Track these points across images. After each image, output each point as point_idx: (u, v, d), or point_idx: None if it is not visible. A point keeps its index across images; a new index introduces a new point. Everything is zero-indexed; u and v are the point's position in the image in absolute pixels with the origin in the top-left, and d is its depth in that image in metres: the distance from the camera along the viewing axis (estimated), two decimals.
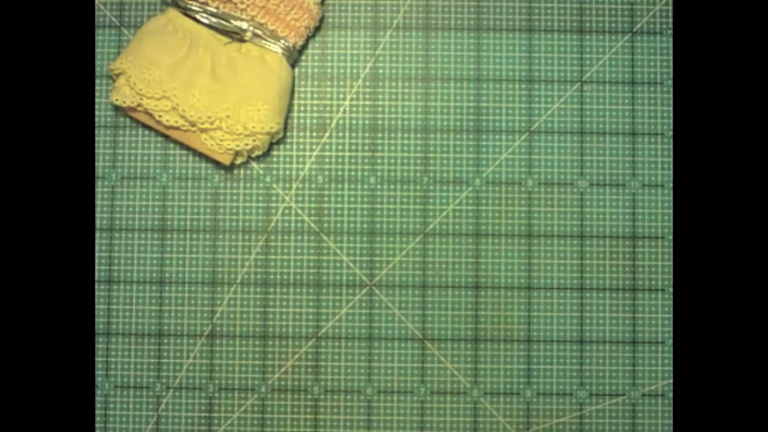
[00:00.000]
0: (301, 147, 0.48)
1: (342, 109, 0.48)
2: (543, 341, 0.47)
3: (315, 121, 0.48)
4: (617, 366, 0.47)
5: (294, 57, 0.47)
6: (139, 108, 0.46)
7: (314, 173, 0.48)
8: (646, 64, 0.48)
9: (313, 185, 0.48)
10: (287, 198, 0.48)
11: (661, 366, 0.47)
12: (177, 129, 0.46)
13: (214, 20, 0.47)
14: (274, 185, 0.48)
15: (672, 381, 0.47)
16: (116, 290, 0.47)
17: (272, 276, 0.47)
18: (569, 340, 0.47)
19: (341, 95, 0.48)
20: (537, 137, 0.48)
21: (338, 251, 0.47)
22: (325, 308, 0.47)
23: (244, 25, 0.47)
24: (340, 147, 0.48)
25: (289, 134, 0.48)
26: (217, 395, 0.47)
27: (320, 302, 0.47)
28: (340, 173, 0.48)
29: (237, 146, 0.46)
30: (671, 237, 0.47)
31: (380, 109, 0.48)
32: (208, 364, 0.47)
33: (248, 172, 0.48)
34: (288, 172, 0.48)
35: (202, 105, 0.45)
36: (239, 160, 0.47)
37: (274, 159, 0.48)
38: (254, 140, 0.46)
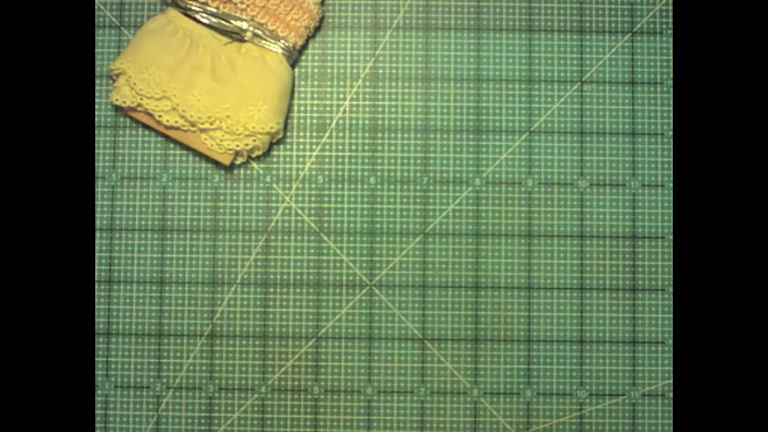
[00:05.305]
0: (301, 147, 0.48)
1: (342, 109, 0.48)
2: (543, 341, 0.47)
3: (315, 121, 0.48)
4: (617, 366, 0.47)
5: (294, 57, 0.47)
6: (139, 108, 0.46)
7: (314, 173, 0.48)
8: (646, 64, 0.48)
9: (313, 185, 0.48)
10: (287, 198, 0.48)
11: (661, 366, 0.47)
12: (177, 129, 0.46)
13: (214, 20, 0.47)
14: (274, 185, 0.48)
15: (672, 381, 0.47)
16: (116, 290, 0.47)
17: (272, 276, 0.47)
18: (569, 340, 0.47)
19: (341, 95, 0.48)
20: (537, 137, 0.48)
21: (338, 251, 0.47)
22: (326, 308, 0.47)
23: (244, 25, 0.47)
24: (340, 147, 0.48)
25: (289, 134, 0.48)
26: (217, 395, 0.47)
27: (320, 302, 0.47)
28: (340, 173, 0.48)
29: (237, 146, 0.46)
30: (671, 237, 0.47)
31: (380, 109, 0.48)
32: (208, 364, 0.47)
33: (248, 172, 0.48)
34: (288, 172, 0.48)
35: (202, 105, 0.45)
36: (239, 160, 0.47)
37: (274, 159, 0.48)
38: (254, 140, 0.46)
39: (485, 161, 0.48)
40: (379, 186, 0.48)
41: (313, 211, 0.48)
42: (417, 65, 0.48)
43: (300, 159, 0.48)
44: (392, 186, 0.48)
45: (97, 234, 0.48)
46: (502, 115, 0.48)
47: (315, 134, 0.48)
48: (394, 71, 0.48)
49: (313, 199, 0.48)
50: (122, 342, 0.47)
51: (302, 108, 0.48)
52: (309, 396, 0.47)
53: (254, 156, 0.48)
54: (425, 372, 0.47)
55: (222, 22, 0.47)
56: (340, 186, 0.48)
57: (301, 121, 0.48)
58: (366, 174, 0.48)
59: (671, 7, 0.49)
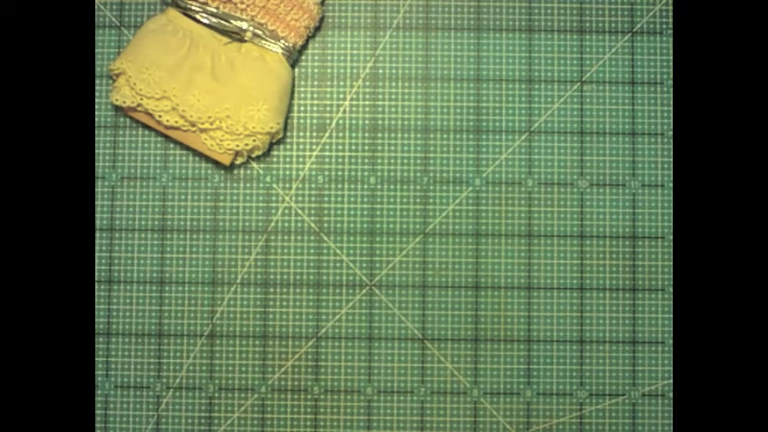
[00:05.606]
0: (301, 147, 0.48)
1: (342, 109, 0.48)
2: (543, 341, 0.47)
3: (315, 121, 0.48)
4: (617, 366, 0.47)
5: (294, 57, 0.47)
6: (139, 108, 0.46)
7: (314, 173, 0.48)
8: (646, 64, 0.48)
9: (313, 185, 0.48)
10: (287, 198, 0.48)
11: (661, 366, 0.47)
12: (177, 129, 0.46)
13: (214, 20, 0.47)
14: (274, 185, 0.48)
15: (672, 381, 0.47)
16: (116, 290, 0.47)
17: (272, 276, 0.47)
18: (569, 340, 0.47)
19: (341, 95, 0.48)
20: (537, 137, 0.48)
21: (338, 251, 0.47)
22: (326, 308, 0.47)
23: (244, 25, 0.47)
24: (340, 147, 0.48)
25: (289, 134, 0.48)
26: (217, 395, 0.47)
27: (320, 302, 0.47)
28: (340, 173, 0.48)
29: (237, 146, 0.46)
30: (671, 237, 0.47)
31: (380, 109, 0.48)
32: (208, 364, 0.47)
33: (248, 172, 0.48)
34: (288, 172, 0.48)
35: (202, 105, 0.45)
36: (239, 160, 0.47)
37: (274, 159, 0.48)
38: (254, 140, 0.46)
39: (485, 161, 0.48)
40: (379, 186, 0.48)
41: (313, 211, 0.48)
42: (417, 65, 0.48)
43: (300, 159, 0.48)
44: (392, 186, 0.48)
45: (97, 234, 0.48)
46: (502, 115, 0.48)
47: (315, 134, 0.48)
48: (394, 71, 0.48)
49: (313, 199, 0.48)
50: (122, 342, 0.47)
51: (302, 108, 0.48)
52: (309, 396, 0.47)
53: (254, 156, 0.48)
54: (425, 372, 0.47)
55: (222, 22, 0.47)
56: (340, 186, 0.48)
57: (301, 121, 0.48)
58: (366, 174, 0.48)
59: (671, 7, 0.49)
